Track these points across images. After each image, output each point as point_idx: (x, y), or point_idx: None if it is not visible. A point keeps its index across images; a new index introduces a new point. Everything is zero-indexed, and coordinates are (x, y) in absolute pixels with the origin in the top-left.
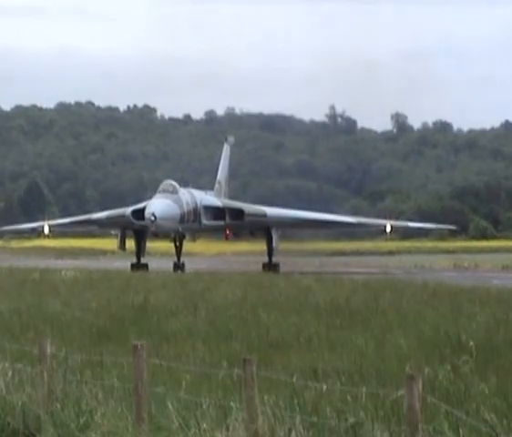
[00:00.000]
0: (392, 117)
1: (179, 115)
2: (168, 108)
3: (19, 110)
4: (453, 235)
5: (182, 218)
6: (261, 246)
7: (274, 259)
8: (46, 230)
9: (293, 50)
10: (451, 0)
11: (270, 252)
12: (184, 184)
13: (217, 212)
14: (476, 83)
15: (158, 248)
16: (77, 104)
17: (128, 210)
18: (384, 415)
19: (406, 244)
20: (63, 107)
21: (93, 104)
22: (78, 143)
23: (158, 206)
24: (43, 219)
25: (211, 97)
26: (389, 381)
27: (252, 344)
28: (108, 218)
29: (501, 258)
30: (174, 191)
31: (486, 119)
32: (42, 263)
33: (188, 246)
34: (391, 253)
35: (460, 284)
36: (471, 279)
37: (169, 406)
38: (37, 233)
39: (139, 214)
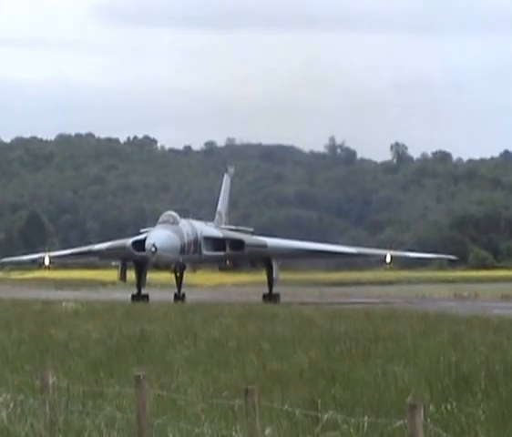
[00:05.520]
0: (391, 148)
1: (180, 146)
2: (169, 139)
3: (19, 142)
4: (452, 265)
5: (183, 249)
6: (261, 276)
7: (274, 290)
8: (47, 262)
9: (293, 81)
10: (450, 29)
11: (270, 283)
12: (184, 215)
13: (217, 243)
14: (475, 113)
15: (159, 279)
16: (78, 135)
17: (129, 241)
18: None
19: (406, 274)
20: (63, 139)
21: (93, 135)
22: (78, 174)
23: (158, 237)
24: (43, 251)
25: (211, 128)
26: (390, 411)
27: (252, 375)
28: (109, 250)
29: (501, 287)
30: (174, 222)
31: (486, 149)
32: (42, 294)
33: (188, 277)
34: (391, 283)
35: (460, 313)
36: (471, 309)
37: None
38: (38, 264)
39: (140, 245)
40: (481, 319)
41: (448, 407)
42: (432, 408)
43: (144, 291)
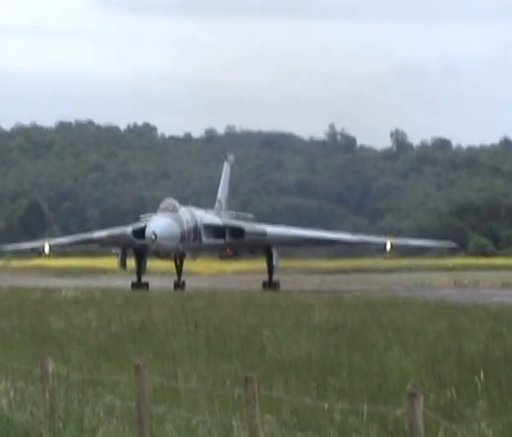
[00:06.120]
0: (391, 135)
1: (180, 133)
2: (169, 127)
3: (19, 129)
4: (452, 252)
5: (183, 237)
6: (260, 264)
7: (274, 278)
8: (47, 250)
9: (292, 68)
10: (450, 16)
11: (270, 271)
12: (184, 202)
13: (217, 231)
14: (475, 100)
15: (159, 267)
16: (78, 123)
17: (129, 229)
18: (386, 433)
19: (406, 261)
20: (63, 127)
21: (93, 123)
22: (79, 162)
23: (158, 225)
24: (43, 239)
25: (211, 116)
26: (390, 399)
27: (252, 363)
28: (109, 237)
29: (501, 275)
30: (174, 210)
31: (486, 136)
32: (42, 282)
33: (188, 265)
34: (391, 271)
35: (460, 301)
36: (471, 297)
37: (171, 425)
38: (38, 252)
39: (140, 233)
40: (481, 306)
41: (448, 395)
42: (432, 395)
43: (144, 279)
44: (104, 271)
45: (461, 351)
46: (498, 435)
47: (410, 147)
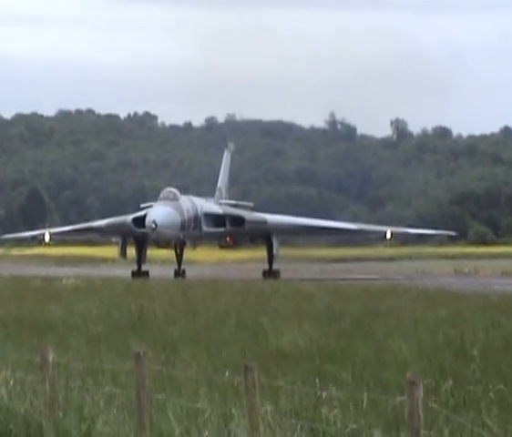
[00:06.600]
0: (391, 123)
1: (180, 122)
2: (169, 116)
3: (20, 118)
4: (452, 240)
5: (183, 226)
6: (261, 253)
7: (275, 266)
8: (47, 238)
9: (293, 56)
10: (450, 5)
11: (270, 259)
12: (184, 191)
13: (217, 219)
14: (475, 88)
15: (159, 255)
16: (78, 111)
17: (129, 218)
18: (386, 421)
19: (406, 250)
20: (63, 115)
21: (93, 111)
22: (79, 150)
23: (159, 213)
24: (44, 227)
25: (212, 104)
26: (390, 387)
27: (252, 352)
28: (109, 226)
29: (501, 263)
30: (175, 198)
31: (486, 125)
32: (43, 271)
33: (188, 254)
34: (391, 259)
35: (460, 290)
36: (471, 285)
37: (171, 413)
38: (38, 241)
39: (140, 221)
40: (481, 295)
41: (447, 383)
42: (432, 382)
43: (144, 268)
44: (104, 260)
45: (461, 340)
46: (500, 424)
47: (410, 135)
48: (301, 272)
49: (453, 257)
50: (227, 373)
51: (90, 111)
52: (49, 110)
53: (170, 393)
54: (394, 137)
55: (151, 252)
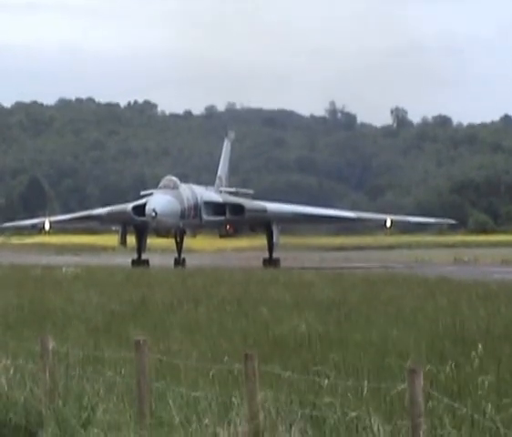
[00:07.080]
0: (391, 112)
1: (180, 110)
2: (169, 104)
3: (20, 106)
4: (452, 229)
5: (183, 214)
6: (261, 241)
7: (275, 255)
8: (47, 227)
9: (293, 45)
10: None
11: (270, 248)
12: (184, 179)
13: (217, 208)
14: (475, 77)
15: (159, 244)
16: (78, 100)
17: (129, 206)
18: (386, 409)
19: (406, 238)
20: (63, 104)
21: (93, 100)
22: (79, 139)
23: (158, 202)
24: (44, 216)
25: (212, 93)
26: (390, 375)
27: (252, 340)
28: (109, 215)
29: (501, 252)
30: (175, 187)
31: (486, 113)
32: (43, 259)
33: (188, 242)
34: (391, 247)
35: (460, 278)
36: (471, 274)
37: (171, 401)
38: (38, 229)
39: (140, 210)
40: (481, 283)
41: (447, 370)
42: (432, 367)
43: (144, 256)
44: (104, 248)
45: (461, 328)
46: (499, 411)
47: (410, 124)
48: (301, 261)
49: (453, 245)
50: (225, 359)
51: (90, 100)
52: (49, 99)
53: (170, 381)
54: (394, 125)
55: (151, 241)
